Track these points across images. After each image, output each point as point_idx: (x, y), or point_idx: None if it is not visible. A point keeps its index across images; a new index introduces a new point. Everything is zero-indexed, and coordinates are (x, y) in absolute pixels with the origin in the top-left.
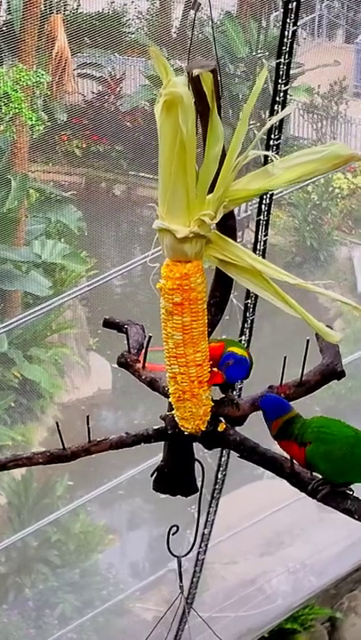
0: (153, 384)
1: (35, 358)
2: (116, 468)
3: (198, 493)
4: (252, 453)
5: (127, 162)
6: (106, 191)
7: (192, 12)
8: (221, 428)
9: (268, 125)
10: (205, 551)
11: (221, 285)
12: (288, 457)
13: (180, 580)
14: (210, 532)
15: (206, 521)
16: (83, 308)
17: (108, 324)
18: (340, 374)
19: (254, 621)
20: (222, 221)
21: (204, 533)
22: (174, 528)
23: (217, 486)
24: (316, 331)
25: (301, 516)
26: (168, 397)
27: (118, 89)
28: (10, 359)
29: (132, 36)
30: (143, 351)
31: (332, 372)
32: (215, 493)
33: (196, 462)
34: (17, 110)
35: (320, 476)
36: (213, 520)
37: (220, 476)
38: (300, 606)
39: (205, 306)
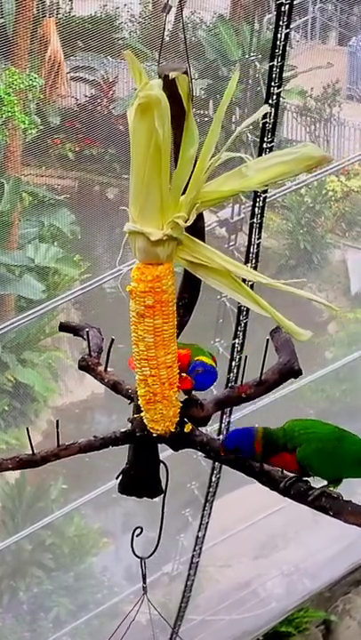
0: (116, 387)
1: (28, 362)
2: (109, 472)
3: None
4: (219, 454)
5: (120, 165)
6: (99, 194)
7: (168, 14)
8: (188, 429)
9: (243, 125)
10: (200, 554)
11: (190, 287)
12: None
13: (144, 582)
14: (204, 535)
15: (200, 524)
16: (76, 311)
17: (65, 327)
18: (297, 372)
19: (249, 624)
20: (193, 223)
21: (198, 536)
22: (138, 530)
23: (211, 489)
24: (287, 330)
25: (295, 519)
26: (131, 400)
27: (111, 92)
28: (3, 363)
29: (125, 39)
30: (106, 354)
31: (289, 371)
32: (209, 496)
33: (161, 464)
34: (10, 114)
35: (291, 475)
36: (207, 523)
37: (213, 478)
38: (295, 609)
39: (175, 308)
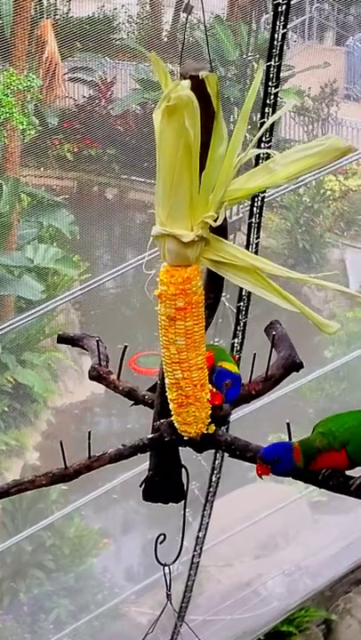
0: (131, 394)
1: (28, 363)
2: (109, 472)
3: (180, 499)
4: (246, 451)
5: (119, 165)
6: (98, 195)
7: (183, 14)
8: (211, 429)
9: (267, 124)
10: (200, 554)
11: (214, 287)
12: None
13: (169, 589)
14: (204, 535)
15: (201, 524)
16: (75, 311)
17: (63, 339)
18: (299, 365)
19: (250, 624)
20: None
21: (198, 536)
22: (162, 537)
23: (211, 489)
24: (314, 323)
25: (296, 518)
26: (148, 406)
27: (109, 93)
28: (3, 364)
29: (123, 40)
30: (119, 362)
31: (292, 365)
32: (209, 496)
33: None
34: (8, 115)
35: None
36: (208, 523)
37: (214, 478)
38: (296, 608)
39: (204, 308)
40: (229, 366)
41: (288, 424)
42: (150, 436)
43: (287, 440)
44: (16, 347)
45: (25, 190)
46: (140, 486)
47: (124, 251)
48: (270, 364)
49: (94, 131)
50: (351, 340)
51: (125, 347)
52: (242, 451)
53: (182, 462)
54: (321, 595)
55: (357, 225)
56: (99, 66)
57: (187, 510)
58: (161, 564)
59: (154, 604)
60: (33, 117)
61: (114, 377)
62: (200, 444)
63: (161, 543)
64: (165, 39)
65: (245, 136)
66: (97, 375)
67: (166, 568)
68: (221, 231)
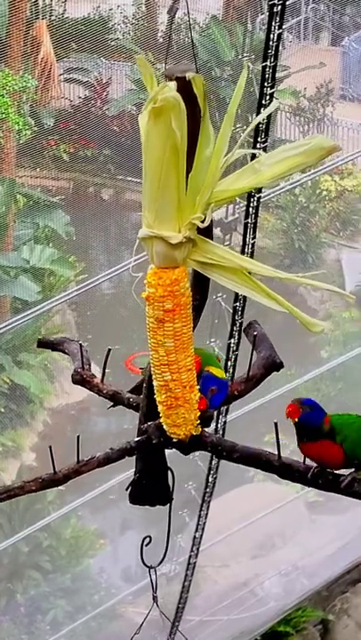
0: (115, 397)
1: (24, 363)
2: (106, 473)
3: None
4: (232, 452)
5: (115, 166)
6: (94, 195)
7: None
8: (197, 431)
9: (254, 123)
10: (197, 554)
11: (200, 288)
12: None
13: (154, 591)
14: (201, 535)
15: (198, 524)
16: (72, 312)
17: (42, 344)
18: (279, 365)
19: (247, 624)
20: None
21: (195, 537)
22: (147, 539)
23: (208, 489)
24: (302, 322)
25: (293, 518)
26: (132, 409)
27: (105, 93)
28: None
29: (119, 40)
30: (103, 365)
31: (272, 364)
32: (206, 497)
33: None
34: (3, 115)
35: (315, 465)
36: (205, 523)
37: (210, 479)
38: (293, 609)
39: (191, 310)
40: (216, 371)
41: (276, 424)
42: (138, 438)
43: (281, 440)
44: (12, 347)
45: (21, 191)
46: (127, 489)
47: (119, 251)
48: (251, 364)
49: (90, 131)
50: (347, 340)
51: (109, 350)
52: (228, 452)
53: (178, 463)
54: (318, 595)
55: (353, 225)
56: (94, 66)
57: (184, 511)
58: (147, 567)
59: (150, 604)
60: (29, 118)
61: (97, 380)
62: (187, 445)
63: (147, 545)
64: (161, 40)
65: (240, 135)
66: (80, 379)
67: (152, 570)
68: (207, 232)
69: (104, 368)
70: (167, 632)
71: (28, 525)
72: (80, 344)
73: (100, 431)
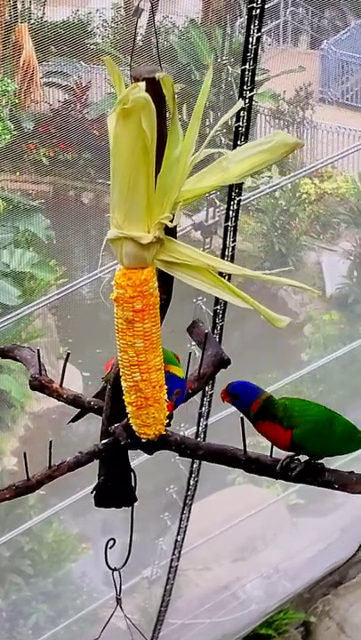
0: (76, 401)
1: (5, 367)
2: (87, 477)
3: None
4: (196, 449)
5: (95, 170)
6: (74, 199)
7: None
8: (161, 430)
9: (220, 122)
10: (179, 558)
11: (165, 288)
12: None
13: (118, 593)
14: (183, 538)
15: (179, 528)
16: (52, 316)
17: None
18: (227, 362)
19: (229, 627)
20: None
21: (177, 540)
22: (111, 542)
23: (189, 493)
24: (266, 318)
25: (274, 521)
26: (94, 412)
27: (85, 97)
28: None
29: (98, 44)
30: (62, 370)
31: (220, 362)
32: (187, 500)
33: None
34: None
35: (282, 458)
36: (186, 527)
37: (192, 482)
38: (275, 611)
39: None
40: (176, 370)
41: (242, 419)
42: (105, 441)
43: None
44: None
45: (0, 195)
46: (92, 493)
47: (100, 255)
48: (200, 362)
49: (70, 135)
50: (328, 342)
51: (68, 354)
52: (192, 449)
53: (160, 466)
54: (299, 597)
55: (333, 228)
56: (74, 70)
57: (165, 514)
58: (110, 569)
59: (133, 608)
60: (8, 122)
61: (56, 385)
62: (150, 445)
63: (111, 548)
64: (140, 43)
65: (220, 139)
66: (39, 385)
67: (116, 572)
68: (171, 232)
69: (63, 372)
70: (149, 636)
71: (9, 530)
72: (38, 350)
73: (82, 435)
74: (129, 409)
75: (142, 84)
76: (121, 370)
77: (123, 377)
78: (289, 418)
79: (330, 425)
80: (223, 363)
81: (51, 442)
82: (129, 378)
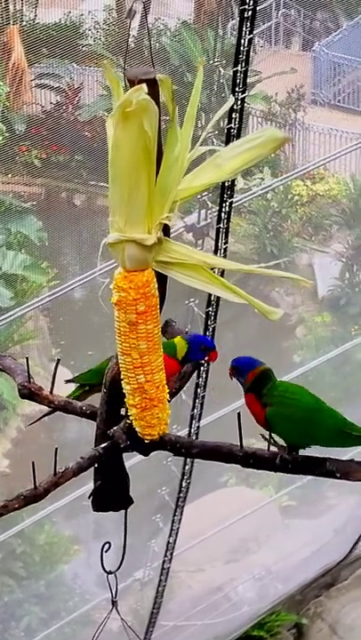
0: (67, 407)
1: None
2: (79, 479)
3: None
4: (190, 448)
5: (87, 172)
6: (66, 201)
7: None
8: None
9: (212, 122)
10: (171, 560)
11: (160, 289)
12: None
13: (114, 597)
14: (175, 540)
15: (171, 529)
16: (44, 318)
17: None
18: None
19: (221, 629)
20: None
21: (169, 542)
22: (107, 545)
23: (181, 494)
24: (260, 310)
25: (266, 522)
26: (87, 417)
27: (76, 99)
28: None
29: (90, 46)
30: (52, 377)
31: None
32: (180, 502)
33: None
34: None
35: (276, 449)
36: (178, 528)
37: (184, 484)
38: (267, 613)
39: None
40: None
41: (238, 414)
42: (104, 444)
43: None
44: None
45: None
46: (89, 498)
47: (92, 257)
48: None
49: (62, 137)
50: (320, 344)
51: (58, 360)
52: (187, 448)
53: (152, 469)
54: (292, 599)
55: (325, 229)
56: (66, 72)
57: (157, 516)
58: (106, 572)
59: (125, 609)
60: (0, 124)
61: (46, 392)
62: (148, 446)
63: (106, 552)
64: (133, 45)
65: (213, 141)
66: (28, 393)
67: (111, 575)
68: (166, 232)
69: (53, 379)
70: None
71: (1, 532)
72: (27, 358)
73: (75, 437)
74: (132, 411)
75: (144, 86)
76: (123, 373)
77: (125, 380)
78: (270, 396)
79: (309, 413)
80: (200, 363)
81: (56, 449)
82: (133, 380)
